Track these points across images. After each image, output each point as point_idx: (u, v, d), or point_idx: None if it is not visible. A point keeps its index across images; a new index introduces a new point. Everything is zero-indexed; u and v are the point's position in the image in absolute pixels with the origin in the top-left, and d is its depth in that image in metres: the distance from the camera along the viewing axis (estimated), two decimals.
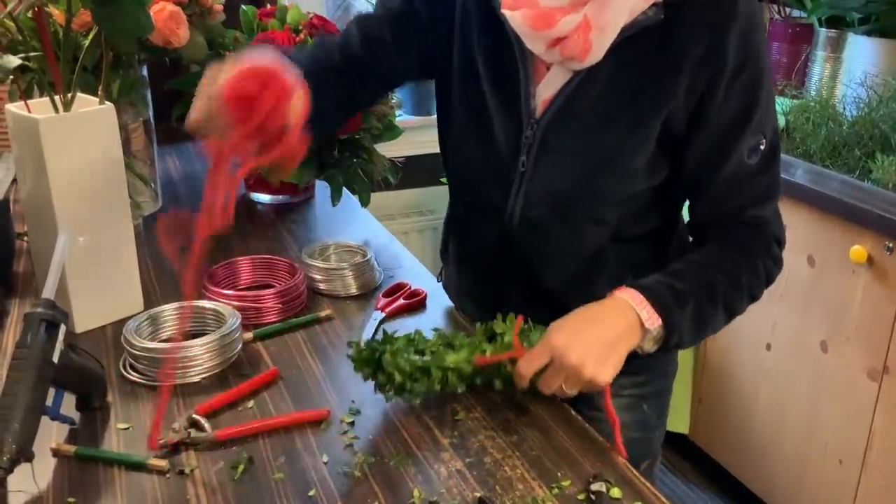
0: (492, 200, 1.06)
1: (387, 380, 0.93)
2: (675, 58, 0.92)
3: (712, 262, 1.00)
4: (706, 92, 0.93)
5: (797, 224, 1.82)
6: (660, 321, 0.93)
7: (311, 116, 0.90)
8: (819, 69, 2.16)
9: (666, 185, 1.03)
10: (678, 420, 2.27)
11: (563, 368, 0.90)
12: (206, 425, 0.91)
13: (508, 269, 1.10)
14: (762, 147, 0.97)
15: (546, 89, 0.98)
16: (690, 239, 1.11)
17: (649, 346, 0.96)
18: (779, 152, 1.00)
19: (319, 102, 0.93)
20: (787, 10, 2.38)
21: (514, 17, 0.93)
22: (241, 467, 0.86)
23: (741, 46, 0.91)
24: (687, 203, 1.07)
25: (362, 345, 0.96)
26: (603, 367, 0.90)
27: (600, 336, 0.91)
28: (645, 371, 1.16)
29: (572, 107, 0.96)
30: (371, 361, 0.94)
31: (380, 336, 0.97)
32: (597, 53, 0.91)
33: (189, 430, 0.90)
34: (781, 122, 2.02)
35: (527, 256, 1.07)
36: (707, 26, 0.90)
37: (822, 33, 2.14)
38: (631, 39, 0.91)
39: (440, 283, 1.27)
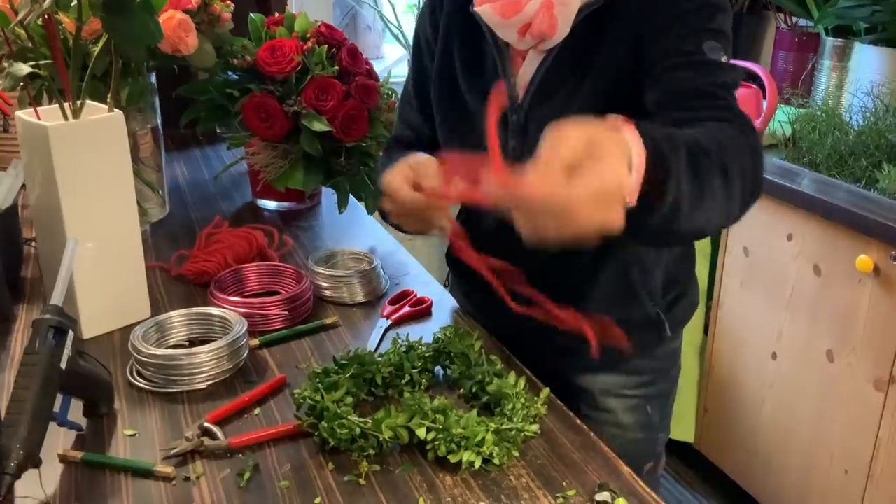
0: None
1: (325, 442, 0.90)
2: (623, 20, 0.96)
3: (706, 133, 0.86)
4: (650, 17, 0.95)
5: (803, 233, 1.82)
6: (643, 177, 0.74)
7: None
8: (825, 78, 2.16)
9: None
10: (684, 429, 2.27)
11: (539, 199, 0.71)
12: (220, 433, 0.91)
13: (515, 258, 1.10)
14: (723, 59, 0.94)
15: (524, 75, 1.04)
16: None
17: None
18: (738, 77, 0.97)
19: None
20: (794, 19, 2.38)
21: (485, 10, 1.00)
22: (248, 475, 0.86)
23: None
24: None
25: (303, 395, 0.92)
26: (588, 209, 0.69)
27: (610, 176, 0.70)
28: (649, 372, 1.17)
29: (547, 87, 1.02)
30: (313, 415, 0.91)
31: (379, 341, 0.97)
32: (563, 27, 0.97)
33: (202, 438, 0.90)
34: (788, 130, 2.02)
35: (528, 249, 1.08)
36: None
37: (829, 42, 2.14)
38: (594, 12, 0.97)
39: (447, 289, 1.27)
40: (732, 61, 0.97)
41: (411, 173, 0.97)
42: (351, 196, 1.58)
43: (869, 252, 1.69)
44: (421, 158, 1.01)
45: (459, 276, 1.24)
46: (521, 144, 1.06)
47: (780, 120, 2.04)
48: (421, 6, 1.16)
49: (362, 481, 0.86)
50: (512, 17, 0.98)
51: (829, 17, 2.09)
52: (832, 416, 1.85)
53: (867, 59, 2.05)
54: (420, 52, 1.18)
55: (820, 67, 2.18)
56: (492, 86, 1.05)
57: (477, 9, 1.01)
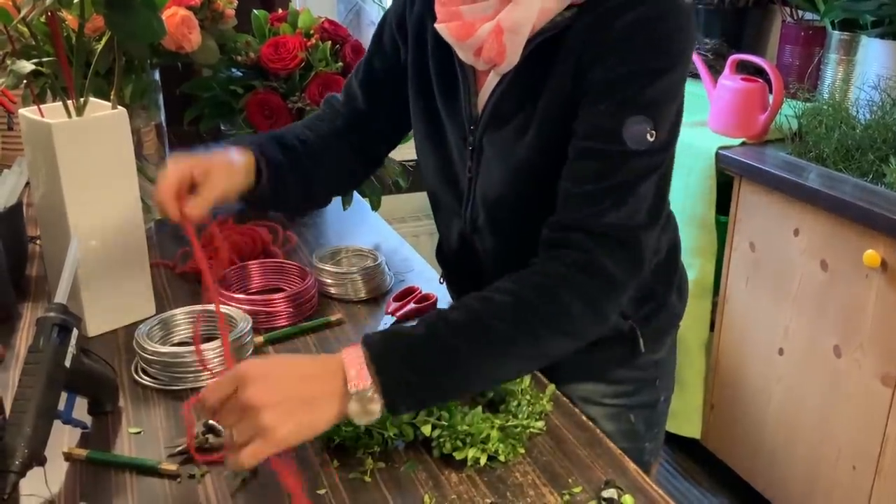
0: (451, 206, 1.11)
1: (330, 439, 0.90)
2: (570, 49, 0.92)
3: (485, 298, 0.86)
4: (592, 69, 0.90)
5: (810, 228, 1.81)
6: (369, 381, 0.78)
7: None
8: (832, 72, 2.15)
9: None
10: (690, 425, 2.26)
11: (241, 404, 0.75)
12: (224, 431, 0.91)
13: (479, 272, 1.12)
14: (649, 138, 0.88)
15: (483, 95, 1.01)
16: None
17: (357, 408, 0.79)
18: (667, 147, 0.91)
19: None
20: (800, 12, 2.37)
21: (443, 29, 0.98)
22: (240, 478, 0.85)
23: (632, 27, 0.87)
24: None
25: None
26: (285, 421, 0.75)
27: (298, 389, 0.78)
28: (631, 381, 1.16)
29: (499, 112, 0.99)
30: None
31: None
32: (512, 56, 0.93)
33: (206, 435, 0.90)
34: (794, 125, 2.01)
35: (491, 264, 1.10)
36: (600, 14, 0.89)
37: (835, 36, 2.13)
38: (550, 41, 0.93)
39: (442, 284, 1.27)
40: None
41: (185, 183, 0.93)
42: (355, 193, 1.58)
43: (876, 247, 1.68)
44: (207, 167, 0.94)
45: (450, 274, 1.24)
46: (477, 167, 1.04)
47: (787, 114, 2.03)
48: None
49: (367, 478, 0.86)
50: (466, 39, 0.95)
51: (836, 10, 2.07)
52: (839, 412, 1.84)
53: (874, 53, 2.03)
54: (382, 35, 1.14)
55: (826, 61, 2.17)
56: (458, 98, 1.02)
57: (437, 26, 0.99)
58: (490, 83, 1.00)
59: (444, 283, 1.27)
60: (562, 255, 0.89)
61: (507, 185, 1.01)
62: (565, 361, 1.07)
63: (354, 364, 0.79)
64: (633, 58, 0.88)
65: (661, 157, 0.91)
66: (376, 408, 0.79)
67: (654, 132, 0.88)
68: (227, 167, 0.99)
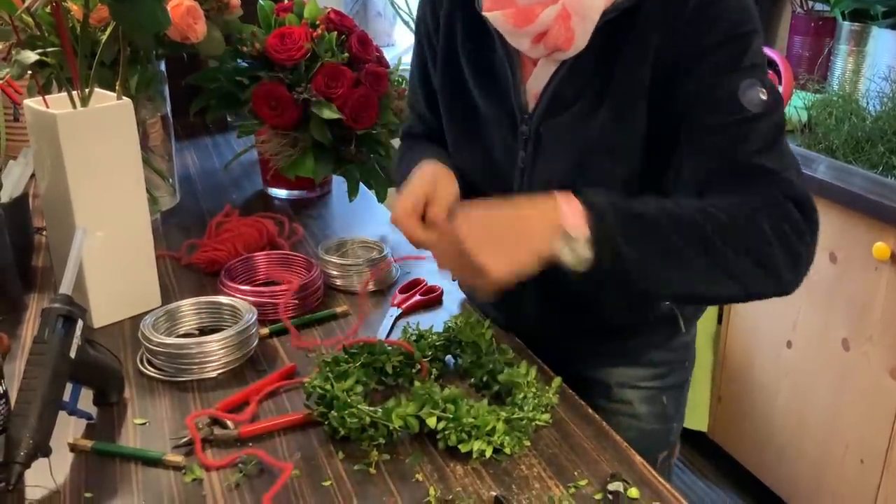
0: None
1: (335, 431, 0.90)
2: (643, 28, 0.91)
3: (693, 207, 0.87)
4: (681, 46, 0.89)
5: (819, 220, 1.79)
6: (585, 234, 0.83)
7: None
8: (842, 63, 2.13)
9: (674, 164, 1.00)
10: (697, 418, 2.26)
11: (458, 243, 0.83)
12: (230, 423, 0.91)
13: None
14: (761, 97, 0.88)
15: (535, 83, 0.99)
16: None
17: (570, 257, 0.84)
18: (779, 102, 0.90)
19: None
20: (810, 3, 2.35)
21: (496, 17, 0.94)
22: (238, 476, 0.84)
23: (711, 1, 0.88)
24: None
25: (313, 384, 0.92)
26: (497, 258, 0.83)
27: (509, 224, 0.85)
28: (666, 364, 1.17)
29: (561, 96, 0.97)
30: (322, 404, 0.91)
31: (390, 329, 0.97)
32: (580, 41, 0.91)
33: (211, 427, 0.90)
34: (804, 116, 2.00)
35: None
36: None
37: (846, 27, 2.11)
38: (612, 22, 0.91)
39: (455, 281, 1.26)
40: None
41: (420, 202, 0.98)
42: (361, 184, 1.57)
43: (886, 239, 1.67)
44: (429, 181, 1.00)
45: None
46: (534, 156, 1.02)
47: (797, 106, 2.02)
48: None
49: (372, 470, 0.85)
50: (525, 26, 0.92)
51: (846, 1, 2.06)
52: (847, 406, 1.84)
53: (884, 44, 2.02)
54: (422, 44, 1.14)
55: (836, 52, 2.15)
56: (504, 88, 1.01)
57: (486, 14, 0.95)
58: (544, 70, 0.97)
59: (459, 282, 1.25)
60: (772, 215, 0.87)
61: (575, 170, 0.99)
62: (608, 347, 1.09)
63: (573, 210, 0.84)
64: (723, 25, 0.88)
65: (782, 114, 0.91)
66: (585, 253, 0.84)
67: (764, 90, 0.88)
68: (448, 174, 1.04)
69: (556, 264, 0.86)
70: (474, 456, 0.86)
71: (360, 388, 0.93)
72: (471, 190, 1.12)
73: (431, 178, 1.01)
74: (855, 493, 1.85)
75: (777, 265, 0.86)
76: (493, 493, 0.82)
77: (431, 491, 0.82)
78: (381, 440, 0.89)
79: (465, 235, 0.83)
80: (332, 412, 0.89)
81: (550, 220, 0.84)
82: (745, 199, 0.87)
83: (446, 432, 0.88)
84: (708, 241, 0.84)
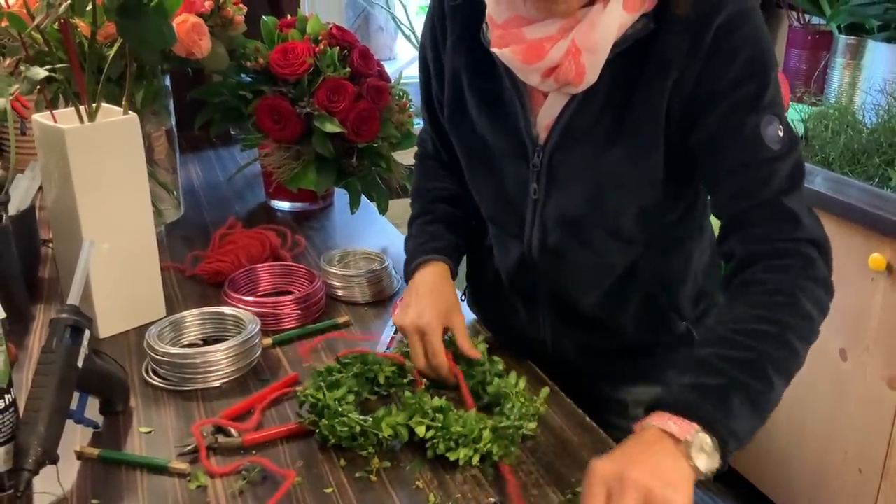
0: (509, 231, 1.08)
1: (325, 440, 0.92)
2: (661, 61, 0.90)
3: (746, 331, 0.86)
4: (702, 81, 0.89)
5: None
6: (695, 426, 0.80)
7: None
8: (838, 76, 2.15)
9: (688, 192, 1.02)
10: None
11: (629, 488, 0.75)
12: (234, 431, 0.92)
13: (535, 295, 1.11)
14: (780, 134, 0.89)
15: (546, 115, 0.98)
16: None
17: (706, 460, 0.84)
18: (797, 139, 0.92)
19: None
20: (807, 16, 2.37)
21: (505, 54, 0.92)
22: (241, 483, 0.86)
23: (730, 32, 0.88)
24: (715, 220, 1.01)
25: (305, 393, 0.93)
26: (673, 487, 0.79)
27: (647, 462, 0.78)
28: (662, 382, 1.17)
29: (574, 128, 0.96)
30: (314, 412, 0.93)
31: (389, 340, 1.01)
32: (591, 76, 0.90)
33: (216, 435, 0.92)
34: (800, 129, 2.02)
35: (553, 281, 1.08)
36: (689, 23, 0.88)
37: (842, 40, 2.13)
38: (623, 54, 0.90)
39: (464, 301, 1.25)
40: None
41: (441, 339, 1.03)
42: (363, 196, 1.59)
43: (882, 250, 1.68)
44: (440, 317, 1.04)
45: (481, 299, 1.24)
46: (547, 188, 1.01)
47: (793, 118, 2.03)
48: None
49: (373, 478, 0.87)
50: (535, 62, 0.90)
51: (842, 14, 2.08)
52: (845, 415, 1.85)
53: (880, 57, 2.04)
54: (427, 69, 1.12)
55: (833, 65, 2.17)
56: (514, 121, 1.00)
57: (496, 51, 0.93)
58: (554, 103, 0.96)
59: (467, 300, 1.25)
60: (786, 268, 0.91)
61: (590, 201, 0.99)
62: (625, 367, 1.12)
63: (667, 420, 0.80)
64: (743, 57, 0.88)
65: (800, 153, 0.92)
66: (712, 449, 0.83)
67: (781, 128, 0.89)
68: (455, 304, 1.08)
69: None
70: (461, 463, 0.88)
71: (351, 398, 0.94)
72: (490, 222, 1.14)
73: (447, 314, 1.05)
74: (853, 501, 1.85)
75: (818, 324, 0.93)
76: (492, 500, 0.84)
77: (431, 498, 0.84)
78: (371, 449, 0.90)
79: (627, 473, 0.76)
80: (323, 420, 0.90)
81: (665, 445, 0.80)
82: (782, 282, 0.90)
83: (435, 441, 0.89)
84: (775, 362, 0.86)
